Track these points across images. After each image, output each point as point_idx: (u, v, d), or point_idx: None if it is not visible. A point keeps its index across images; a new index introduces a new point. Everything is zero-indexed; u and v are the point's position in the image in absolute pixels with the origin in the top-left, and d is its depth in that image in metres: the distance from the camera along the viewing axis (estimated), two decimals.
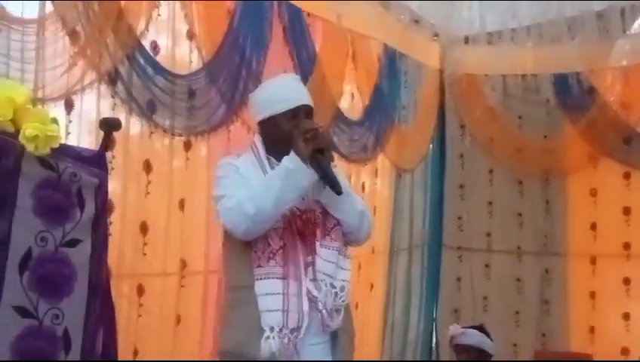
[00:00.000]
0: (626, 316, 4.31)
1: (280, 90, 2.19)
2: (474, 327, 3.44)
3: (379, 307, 4.46)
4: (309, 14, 3.63)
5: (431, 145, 5.01)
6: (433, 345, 4.99)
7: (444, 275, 4.98)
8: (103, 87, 2.60)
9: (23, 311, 1.75)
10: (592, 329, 4.40)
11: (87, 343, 1.87)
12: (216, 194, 2.08)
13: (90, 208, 1.90)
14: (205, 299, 3.07)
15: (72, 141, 2.43)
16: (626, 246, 4.33)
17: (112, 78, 2.61)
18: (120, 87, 2.65)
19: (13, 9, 2.24)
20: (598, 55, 4.38)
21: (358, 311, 3.98)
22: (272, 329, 1.95)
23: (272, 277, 1.99)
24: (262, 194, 1.95)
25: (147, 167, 2.83)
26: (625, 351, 4.24)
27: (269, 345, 1.94)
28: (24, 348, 1.74)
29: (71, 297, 1.84)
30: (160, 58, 2.84)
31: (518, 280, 4.70)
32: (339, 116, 3.89)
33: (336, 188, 1.99)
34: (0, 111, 1.72)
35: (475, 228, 4.88)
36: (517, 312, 4.65)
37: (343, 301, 2.06)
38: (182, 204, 2.95)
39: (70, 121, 2.46)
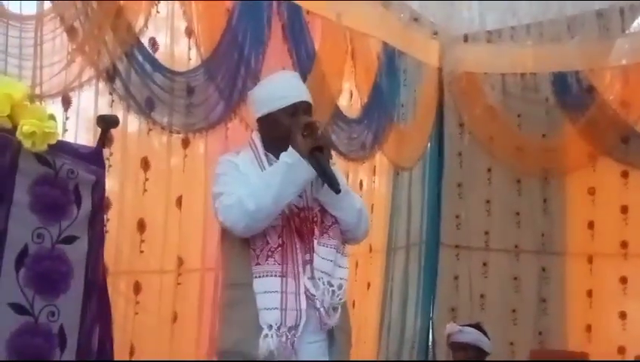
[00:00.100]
0: (623, 315, 4.31)
1: (279, 86, 2.19)
2: (471, 325, 3.44)
3: (376, 305, 4.46)
4: (308, 12, 3.62)
5: (429, 144, 5.01)
6: (430, 343, 4.99)
7: (441, 274, 4.98)
8: (101, 84, 2.60)
9: (18, 308, 1.74)
10: (588, 328, 4.41)
11: (83, 340, 1.87)
12: (215, 191, 2.08)
13: (87, 205, 1.90)
14: (202, 297, 3.07)
15: (70, 138, 2.43)
16: (624, 244, 4.33)
17: (110, 75, 2.61)
18: (118, 84, 2.65)
19: (12, 5, 2.24)
20: (597, 54, 4.38)
21: (356, 310, 3.98)
22: (270, 327, 1.95)
23: (270, 275, 1.99)
24: (261, 191, 1.95)
25: (145, 164, 2.83)
26: (621, 349, 4.24)
27: (267, 343, 1.94)
28: (20, 345, 1.74)
29: (67, 294, 1.84)
30: (158, 55, 2.84)
31: (516, 278, 4.70)
32: (337, 114, 3.89)
33: (335, 187, 1.99)
34: None
35: (473, 227, 4.88)
36: (514, 311, 4.66)
37: (340, 299, 2.06)
38: (179, 202, 2.95)
39: (67, 118, 2.46)
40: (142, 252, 2.81)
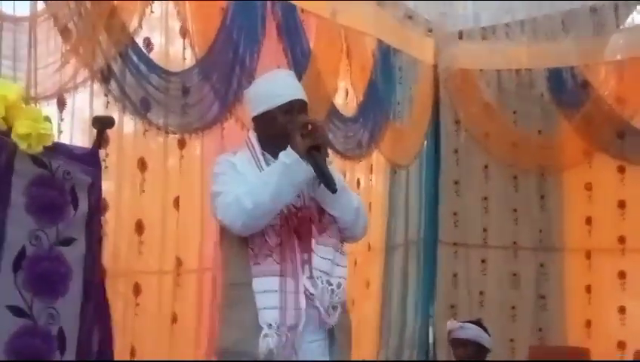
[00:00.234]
0: (622, 309, 4.31)
1: (274, 85, 2.18)
2: (471, 322, 3.44)
3: (375, 304, 4.46)
4: (302, 11, 3.62)
5: (425, 141, 5.01)
6: (430, 341, 4.99)
7: (440, 271, 4.97)
8: (96, 85, 2.59)
9: (17, 311, 1.74)
10: (588, 324, 4.41)
11: (82, 342, 1.86)
12: (213, 191, 2.07)
13: (83, 206, 1.90)
14: (200, 297, 3.06)
15: (65, 140, 2.42)
16: (621, 240, 4.33)
17: (105, 76, 2.60)
18: (113, 84, 2.64)
19: (5, 7, 2.23)
20: (592, 50, 4.38)
21: (355, 308, 3.97)
22: (269, 326, 1.94)
23: (269, 275, 1.99)
24: (259, 190, 1.95)
25: (142, 165, 2.82)
26: (621, 344, 4.24)
27: (267, 342, 1.93)
28: (19, 348, 1.73)
29: (66, 296, 1.83)
30: (153, 55, 2.84)
31: (514, 275, 4.70)
32: (333, 112, 3.89)
33: (331, 186, 1.98)
34: None
35: (471, 224, 4.87)
36: (513, 307, 4.65)
37: (339, 298, 2.06)
38: (177, 202, 2.94)
39: (62, 120, 2.46)
40: (141, 253, 2.80)
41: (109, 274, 2.50)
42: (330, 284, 2.04)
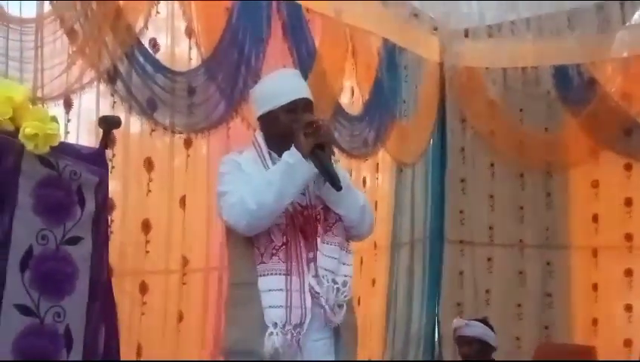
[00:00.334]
0: (629, 307, 4.30)
1: (278, 84, 2.19)
2: (477, 320, 3.44)
3: (381, 302, 4.46)
4: (308, 10, 3.62)
5: (431, 140, 5.01)
6: (436, 339, 4.99)
7: (446, 269, 4.97)
8: (103, 86, 2.60)
9: (24, 310, 1.75)
10: (594, 322, 4.40)
11: (88, 341, 1.87)
12: (219, 190, 2.09)
13: (90, 206, 1.90)
14: (206, 296, 3.08)
15: (72, 140, 2.43)
16: (628, 237, 4.32)
17: (112, 77, 2.62)
18: (119, 85, 2.65)
19: (12, 8, 2.24)
20: (598, 47, 4.37)
21: (361, 306, 3.99)
22: (275, 325, 1.95)
23: (275, 274, 2.00)
24: (263, 190, 1.96)
25: (148, 165, 2.84)
26: (628, 342, 4.24)
27: (272, 341, 1.94)
28: (26, 347, 1.74)
29: (72, 295, 1.84)
30: (159, 56, 2.85)
31: (521, 273, 4.70)
32: (339, 111, 3.89)
33: (336, 185, 1.98)
34: None
35: (477, 222, 4.88)
36: (519, 305, 4.65)
37: (345, 296, 2.06)
38: (183, 202, 2.96)
39: (69, 120, 2.47)
40: (147, 252, 2.82)
41: (116, 273, 2.52)
42: (336, 283, 2.04)
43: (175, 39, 2.95)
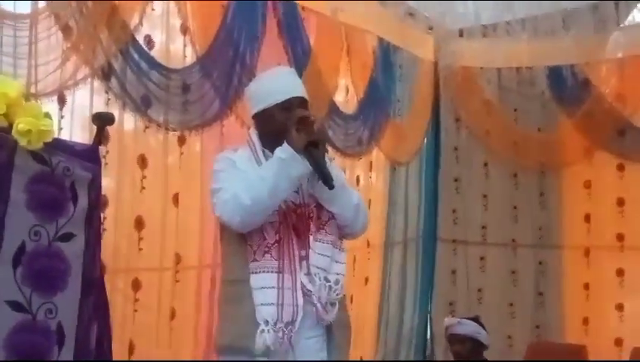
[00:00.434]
0: (620, 307, 4.32)
1: (273, 82, 2.19)
2: (469, 319, 3.46)
3: (374, 300, 4.47)
4: (303, 8, 3.62)
5: (425, 139, 5.01)
6: (428, 337, 5.01)
7: (439, 268, 4.99)
8: (97, 83, 2.60)
9: (16, 306, 1.75)
10: (586, 321, 4.42)
11: (81, 337, 1.87)
12: (213, 188, 2.09)
13: (83, 202, 1.90)
14: (199, 294, 3.08)
15: (65, 137, 2.43)
16: (620, 237, 4.34)
17: (106, 73, 2.62)
18: (114, 82, 2.65)
19: (6, 4, 2.24)
20: (593, 48, 4.38)
21: (354, 305, 4.00)
22: (266, 322, 1.95)
23: (267, 271, 2.00)
24: (256, 186, 1.96)
25: (142, 162, 2.84)
26: (618, 341, 4.26)
27: (264, 338, 1.94)
28: (18, 343, 1.74)
29: (65, 292, 1.84)
30: (154, 53, 2.85)
31: (513, 272, 4.72)
32: (334, 110, 3.90)
33: (329, 183, 1.99)
34: None
35: (470, 221, 4.89)
36: (512, 304, 4.67)
37: (337, 294, 2.07)
38: (176, 199, 2.96)
39: (63, 117, 2.47)
40: (140, 249, 2.82)
41: (109, 270, 2.52)
42: (328, 281, 2.04)
43: (170, 36, 2.95)
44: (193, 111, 2.98)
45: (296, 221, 2.07)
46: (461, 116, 4.97)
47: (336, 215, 2.11)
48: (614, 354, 4.22)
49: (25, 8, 2.32)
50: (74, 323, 1.86)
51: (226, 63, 3.11)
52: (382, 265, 4.54)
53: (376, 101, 4.27)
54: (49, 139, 1.80)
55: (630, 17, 4.36)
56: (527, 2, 4.32)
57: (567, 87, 4.49)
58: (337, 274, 2.08)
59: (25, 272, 1.77)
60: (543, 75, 4.60)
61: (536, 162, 4.67)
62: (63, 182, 1.87)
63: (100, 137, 2.07)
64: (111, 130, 2.48)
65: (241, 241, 2.04)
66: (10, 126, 1.75)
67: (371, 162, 4.42)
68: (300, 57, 3.55)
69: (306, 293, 2.01)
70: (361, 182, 4.31)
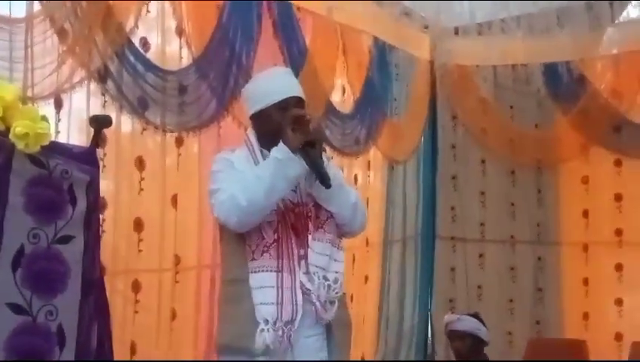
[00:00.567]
0: (619, 302, 4.33)
1: (270, 82, 2.20)
2: (468, 315, 3.47)
3: (374, 298, 4.48)
4: (299, 8, 3.63)
5: (423, 137, 5.02)
6: (428, 335, 5.02)
7: (438, 266, 4.99)
8: (93, 85, 2.61)
9: (16, 308, 1.76)
10: (585, 316, 4.43)
11: (81, 339, 1.88)
12: (211, 188, 2.10)
13: (81, 204, 1.91)
14: (199, 294, 3.08)
15: (62, 140, 2.43)
16: (618, 232, 4.35)
17: (102, 76, 2.62)
18: (110, 84, 2.65)
19: (1, 8, 2.24)
20: (588, 44, 4.40)
21: (354, 303, 4.00)
22: (266, 321, 1.96)
23: (266, 271, 2.01)
24: (253, 186, 1.97)
25: (140, 163, 2.84)
26: (618, 336, 4.27)
27: (264, 337, 1.95)
28: (18, 345, 1.75)
29: (64, 294, 1.85)
30: (150, 55, 2.85)
31: (512, 269, 4.73)
32: (330, 110, 3.91)
33: (326, 182, 2.00)
34: None
35: (469, 219, 4.90)
36: (511, 301, 4.68)
37: (336, 293, 2.07)
38: (175, 200, 2.96)
39: (60, 120, 2.47)
40: (140, 251, 2.82)
41: (109, 272, 2.53)
42: (327, 279, 2.05)
43: (166, 38, 2.95)
44: (190, 113, 2.99)
45: (294, 220, 2.07)
46: (458, 114, 4.98)
47: (334, 214, 2.11)
48: (614, 348, 4.23)
49: (20, 13, 2.32)
50: (74, 325, 1.87)
51: (222, 64, 3.12)
52: (381, 264, 4.54)
53: (373, 100, 4.28)
54: (46, 142, 1.81)
55: (625, 14, 4.38)
56: (522, 1, 4.33)
57: (562, 83, 4.50)
58: (336, 272, 2.09)
59: (24, 275, 1.78)
60: (538, 72, 4.61)
61: (533, 159, 4.68)
62: (61, 184, 1.87)
63: (98, 140, 2.08)
64: (108, 132, 2.48)
65: (240, 241, 2.04)
66: (7, 129, 1.76)
67: (369, 161, 4.43)
68: (295, 57, 3.55)
69: (305, 292, 2.02)
70: (359, 180, 4.31)
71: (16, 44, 2.27)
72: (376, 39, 4.33)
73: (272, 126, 2.08)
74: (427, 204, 5.03)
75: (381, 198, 4.55)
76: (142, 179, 2.84)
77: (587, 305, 4.45)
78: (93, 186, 1.96)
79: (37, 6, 2.36)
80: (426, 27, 4.89)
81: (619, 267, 4.35)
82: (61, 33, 2.42)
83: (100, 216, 2.34)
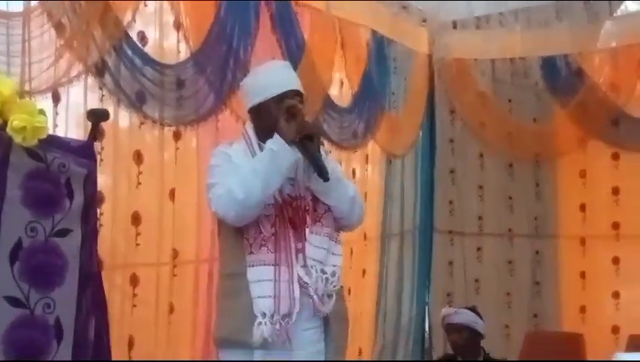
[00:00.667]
0: (616, 295, 4.35)
1: (269, 76, 2.20)
2: (466, 308, 3.48)
3: (371, 292, 4.49)
4: (297, 2, 3.63)
5: (421, 131, 5.02)
6: (426, 328, 5.03)
7: (435, 259, 5.00)
8: (91, 79, 2.61)
9: (14, 301, 1.76)
10: (582, 309, 4.45)
11: (79, 332, 1.89)
12: (209, 182, 2.11)
13: (79, 198, 1.92)
14: (197, 288, 3.09)
15: (60, 134, 2.43)
16: (615, 226, 4.36)
17: (100, 70, 2.62)
18: (108, 78, 2.66)
19: None
20: (586, 38, 4.40)
21: (351, 297, 4.01)
22: (263, 315, 1.97)
23: (264, 264, 2.01)
24: (249, 179, 1.97)
25: (138, 157, 2.85)
26: (615, 329, 4.28)
27: (261, 331, 1.96)
28: (16, 338, 1.76)
29: (62, 287, 1.86)
30: (148, 49, 2.85)
31: (510, 262, 4.73)
32: (329, 103, 3.91)
33: (324, 176, 2.00)
34: None
35: (466, 212, 4.90)
36: (509, 294, 4.69)
37: (334, 286, 2.08)
38: (172, 194, 2.97)
39: (57, 114, 2.47)
40: (138, 245, 2.83)
41: (107, 266, 2.54)
42: (325, 273, 2.06)
43: (163, 32, 2.95)
44: (188, 107, 2.99)
45: (292, 214, 2.08)
46: (456, 108, 4.97)
47: (332, 207, 2.12)
48: (611, 341, 4.24)
49: (18, 7, 2.32)
50: (72, 318, 1.88)
51: (219, 58, 3.12)
52: (379, 257, 4.55)
53: (371, 94, 4.28)
54: (44, 136, 1.81)
55: (623, 7, 4.38)
56: None
57: (560, 77, 4.50)
58: (334, 266, 2.09)
59: (22, 268, 1.78)
60: (536, 66, 4.61)
61: (531, 153, 4.69)
62: (59, 178, 1.88)
63: (95, 133, 2.08)
64: (106, 126, 2.49)
65: (238, 235, 2.05)
66: (5, 123, 1.76)
67: (367, 155, 4.43)
68: (293, 51, 3.55)
69: (303, 285, 2.02)
70: (357, 174, 4.32)
71: (14, 38, 2.27)
72: (374, 33, 4.32)
73: (271, 119, 2.08)
74: (425, 198, 5.03)
75: (379, 192, 4.55)
76: (140, 173, 2.84)
77: (584, 298, 4.46)
78: (90, 180, 1.97)
79: (34, 1, 2.35)
80: (424, 21, 4.88)
81: (616, 260, 4.36)
82: (58, 27, 2.43)
83: (98, 210, 2.35)
